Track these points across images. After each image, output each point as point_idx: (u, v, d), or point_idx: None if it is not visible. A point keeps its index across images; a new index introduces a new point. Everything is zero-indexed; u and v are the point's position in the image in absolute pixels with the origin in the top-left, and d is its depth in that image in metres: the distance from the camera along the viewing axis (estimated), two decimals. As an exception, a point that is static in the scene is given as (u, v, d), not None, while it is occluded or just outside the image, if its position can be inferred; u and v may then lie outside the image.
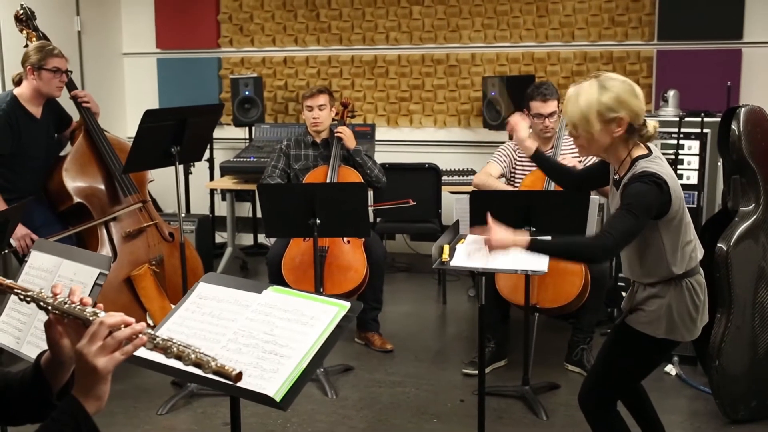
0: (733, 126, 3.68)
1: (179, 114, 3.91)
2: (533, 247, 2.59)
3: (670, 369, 4.22)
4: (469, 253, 2.85)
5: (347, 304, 2.07)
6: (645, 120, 2.64)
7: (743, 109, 3.68)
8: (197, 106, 4.40)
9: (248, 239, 6.96)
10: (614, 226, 2.54)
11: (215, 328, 2.13)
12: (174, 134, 3.90)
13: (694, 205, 4.90)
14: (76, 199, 4.21)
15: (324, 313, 2.07)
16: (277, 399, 1.87)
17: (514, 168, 4.47)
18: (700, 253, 2.74)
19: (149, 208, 4.45)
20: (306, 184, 4.57)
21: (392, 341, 4.69)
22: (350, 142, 4.66)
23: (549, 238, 2.60)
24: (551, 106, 4.27)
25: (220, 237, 6.77)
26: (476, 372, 4.21)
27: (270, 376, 1.94)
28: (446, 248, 2.78)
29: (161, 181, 6.46)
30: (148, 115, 3.74)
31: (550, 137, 4.35)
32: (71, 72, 4.39)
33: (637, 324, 2.72)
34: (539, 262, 2.70)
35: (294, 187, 4.51)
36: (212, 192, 6.74)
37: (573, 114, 2.62)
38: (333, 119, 4.80)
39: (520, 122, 3.30)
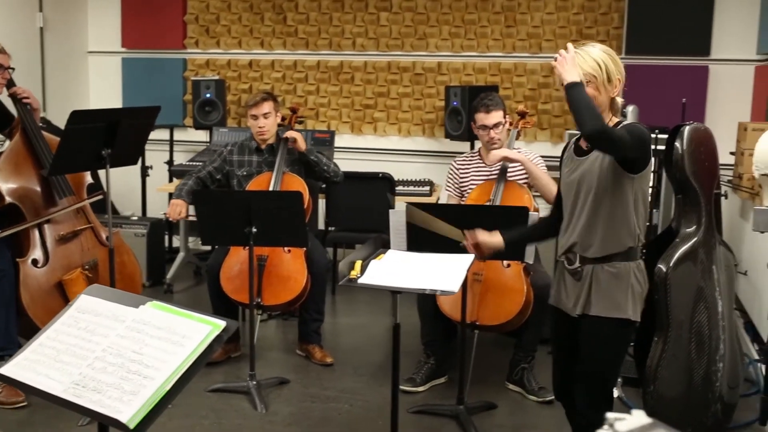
0: (677, 144, 3.58)
1: (111, 116, 3.80)
2: (571, 88, 2.54)
3: (613, 391, 4.11)
4: (386, 270, 2.74)
5: (222, 323, 1.96)
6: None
7: (687, 127, 3.58)
8: (131, 108, 4.31)
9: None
10: (621, 129, 2.62)
11: (87, 344, 2.03)
12: (106, 136, 3.78)
13: (648, 223, 4.82)
14: (8, 200, 4.08)
15: (196, 332, 1.96)
16: (131, 426, 1.76)
17: (461, 184, 4.38)
18: (640, 238, 2.80)
19: (86, 211, 4.33)
20: (241, 191, 4.47)
21: (334, 354, 4.58)
22: (302, 144, 4.55)
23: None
24: (495, 116, 4.18)
25: (177, 242, 6.65)
26: (414, 389, 4.15)
27: (129, 398, 1.83)
28: (358, 264, 2.68)
29: (118, 185, 6.39)
30: (75, 116, 3.63)
31: (496, 149, 4.24)
32: (13, 69, 4.27)
33: (605, 310, 2.73)
34: (450, 283, 2.59)
35: (230, 195, 4.41)
36: (170, 195, 6.61)
37: (589, 65, 2.65)
38: (280, 124, 4.69)
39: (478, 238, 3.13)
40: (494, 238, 3.07)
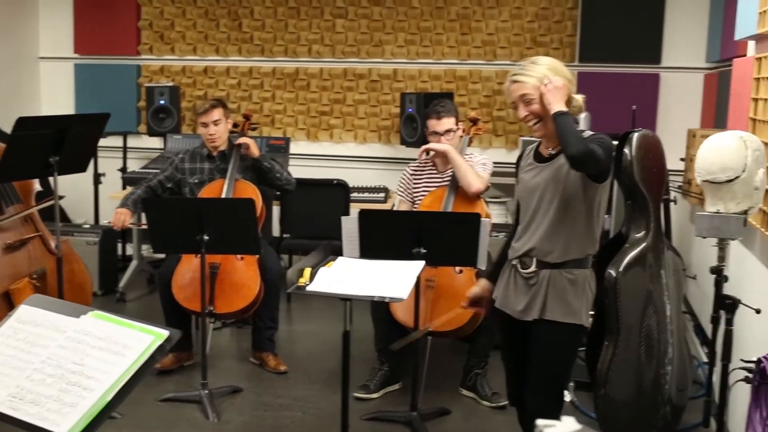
0: (626, 150, 3.62)
1: (58, 123, 3.74)
2: (558, 114, 2.64)
3: (565, 395, 4.14)
4: (335, 277, 2.73)
5: (165, 333, 1.93)
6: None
7: (636, 134, 3.62)
8: (79, 115, 4.25)
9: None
10: (595, 144, 2.63)
11: (26, 355, 1.98)
12: (53, 144, 3.72)
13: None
14: (-48, 208, 4.00)
15: (138, 342, 1.92)
16: (68, 437, 1.72)
17: (413, 190, 4.38)
18: (598, 246, 2.85)
19: (35, 219, 4.25)
20: (192, 198, 4.42)
21: (289, 361, 4.55)
22: (255, 150, 4.52)
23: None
24: (446, 123, 4.19)
25: (131, 249, 6.56)
26: (368, 396, 4.13)
27: (68, 411, 1.79)
28: (307, 272, 2.66)
29: (71, 192, 6.29)
30: (21, 122, 3.56)
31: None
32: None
33: (563, 316, 2.76)
34: (399, 289, 2.59)
35: (181, 202, 4.36)
36: (124, 203, 6.53)
37: (524, 87, 2.73)
38: (233, 131, 4.65)
39: None
40: (482, 285, 3.12)
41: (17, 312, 2.13)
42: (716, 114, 5.49)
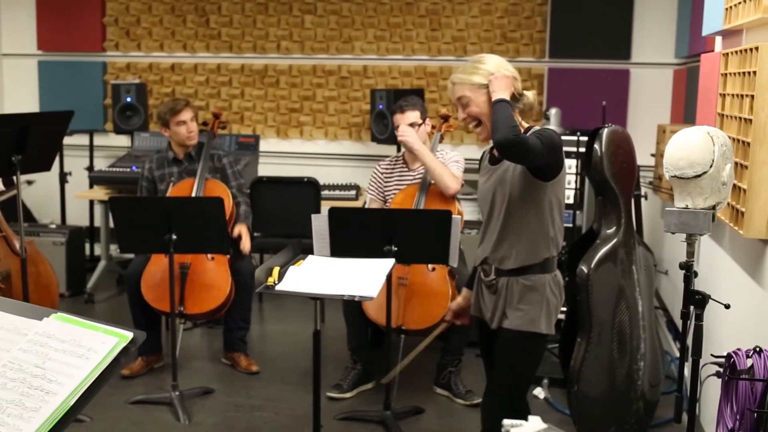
0: (596, 146, 3.61)
1: (20, 121, 3.65)
2: (498, 101, 2.57)
3: (539, 392, 4.14)
4: (304, 276, 2.69)
5: (129, 335, 1.87)
6: (523, 91, 2.72)
7: (606, 129, 3.62)
8: (42, 113, 4.17)
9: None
10: (530, 136, 2.55)
11: (-15, 359, 1.92)
12: (15, 142, 3.64)
13: (572, 225, 4.87)
14: None
15: (102, 345, 1.87)
16: (31, 443, 1.67)
17: (384, 189, 4.35)
18: (557, 248, 2.75)
19: (-3, 220, 4.16)
20: (160, 197, 4.36)
21: (261, 362, 4.50)
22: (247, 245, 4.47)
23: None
24: (410, 117, 4.17)
25: (99, 249, 6.47)
26: (341, 395, 4.10)
27: (30, 416, 1.74)
28: (276, 271, 2.61)
29: (36, 191, 6.19)
30: (-18, 120, 3.48)
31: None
32: None
33: (519, 325, 2.70)
34: (370, 288, 2.55)
35: (148, 201, 4.28)
36: (92, 202, 6.44)
37: (462, 88, 2.66)
38: (202, 129, 4.59)
39: None
40: (464, 296, 3.05)
41: (-23, 315, 2.07)
42: (685, 109, 5.52)
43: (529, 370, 2.84)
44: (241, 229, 4.38)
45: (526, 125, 2.72)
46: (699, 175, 2.29)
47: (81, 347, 1.88)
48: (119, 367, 1.87)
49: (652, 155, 5.27)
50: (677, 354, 4.44)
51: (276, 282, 2.58)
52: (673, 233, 2.38)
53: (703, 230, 2.25)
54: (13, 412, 1.76)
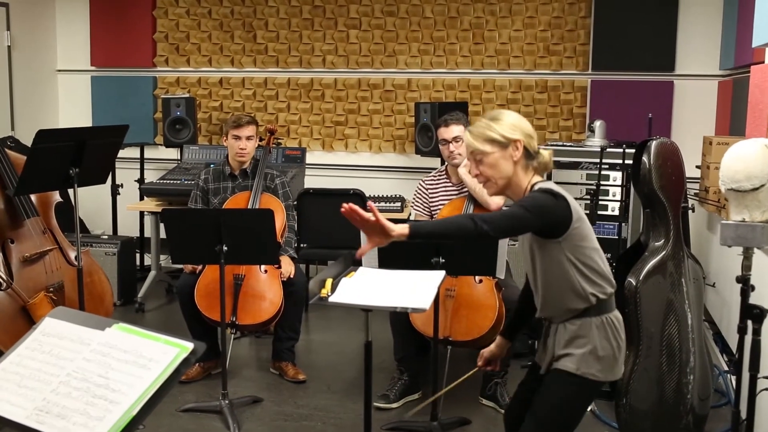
0: (644, 159, 3.62)
1: (78, 135, 3.77)
2: (414, 233, 2.44)
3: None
4: (356, 288, 2.73)
5: (189, 346, 1.94)
6: (539, 149, 2.66)
7: (654, 142, 3.62)
8: (98, 127, 4.28)
9: (178, 262, 6.80)
10: (500, 215, 2.50)
11: (51, 368, 1.98)
12: (73, 156, 3.75)
13: (617, 237, 4.86)
14: (-29, 221, 4.03)
15: (163, 355, 1.93)
16: (98, 451, 1.73)
17: (430, 203, 4.40)
18: (611, 285, 2.64)
19: (54, 231, 4.27)
20: (210, 209, 4.47)
21: (308, 371, 4.56)
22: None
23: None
24: (454, 130, 4.23)
25: (149, 260, 6.60)
26: (388, 406, 4.13)
27: (94, 424, 1.80)
28: (329, 282, 2.66)
29: (88, 202, 6.34)
30: (42, 135, 3.59)
31: (458, 164, 4.27)
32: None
33: (567, 366, 2.60)
34: (422, 300, 2.58)
35: (199, 213, 4.38)
36: (142, 213, 6.58)
37: (473, 144, 2.62)
38: (258, 145, 4.68)
39: None
40: (498, 344, 2.99)
41: (42, 325, 2.14)
42: (731, 121, 5.47)
43: (565, 414, 2.65)
44: (282, 261, 4.42)
45: (533, 182, 2.62)
46: (757, 188, 2.29)
47: (143, 357, 1.95)
48: (179, 377, 1.93)
49: (698, 167, 5.23)
50: (725, 367, 4.40)
51: (329, 294, 2.63)
52: (729, 246, 2.37)
53: (761, 243, 2.24)
54: (78, 421, 1.83)
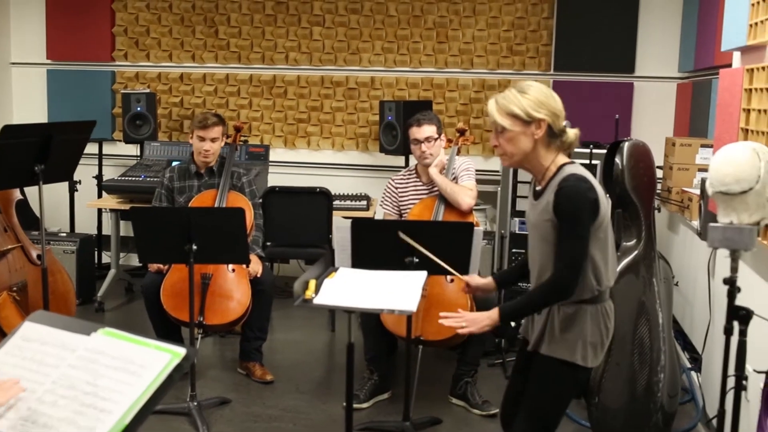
0: (617, 160, 3.67)
1: (44, 130, 3.67)
2: (505, 317, 2.61)
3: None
4: (340, 289, 2.71)
5: (182, 352, 1.89)
6: (565, 127, 2.60)
7: (627, 143, 3.68)
8: (65, 123, 4.17)
9: (137, 260, 6.67)
10: (565, 255, 2.50)
11: (35, 375, 1.91)
12: (38, 152, 3.65)
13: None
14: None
15: (155, 361, 1.88)
16: (92, 462, 1.68)
17: (400, 202, 4.40)
18: (613, 277, 2.67)
19: (15, 229, 4.16)
20: (181, 207, 4.38)
21: (276, 371, 4.52)
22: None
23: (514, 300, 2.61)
24: (426, 130, 4.24)
25: (108, 258, 6.47)
26: (359, 406, 4.12)
27: (86, 434, 1.76)
28: (312, 283, 2.64)
29: (45, 200, 6.17)
30: (6, 131, 3.49)
31: (429, 164, 4.28)
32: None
33: (555, 351, 2.60)
34: (407, 301, 2.58)
35: (169, 211, 4.30)
36: (100, 210, 6.45)
37: (495, 116, 2.56)
38: (225, 143, 4.60)
39: None
40: (487, 280, 3.02)
41: (21, 330, 2.06)
42: (690, 123, 5.58)
43: (556, 399, 2.68)
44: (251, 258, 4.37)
45: (559, 164, 2.58)
46: (745, 191, 2.32)
47: (133, 364, 1.89)
48: (173, 384, 1.89)
49: (659, 167, 5.31)
50: (687, 364, 4.48)
51: (313, 295, 2.60)
52: (716, 248, 2.41)
53: (748, 246, 2.27)
54: (68, 430, 1.77)
